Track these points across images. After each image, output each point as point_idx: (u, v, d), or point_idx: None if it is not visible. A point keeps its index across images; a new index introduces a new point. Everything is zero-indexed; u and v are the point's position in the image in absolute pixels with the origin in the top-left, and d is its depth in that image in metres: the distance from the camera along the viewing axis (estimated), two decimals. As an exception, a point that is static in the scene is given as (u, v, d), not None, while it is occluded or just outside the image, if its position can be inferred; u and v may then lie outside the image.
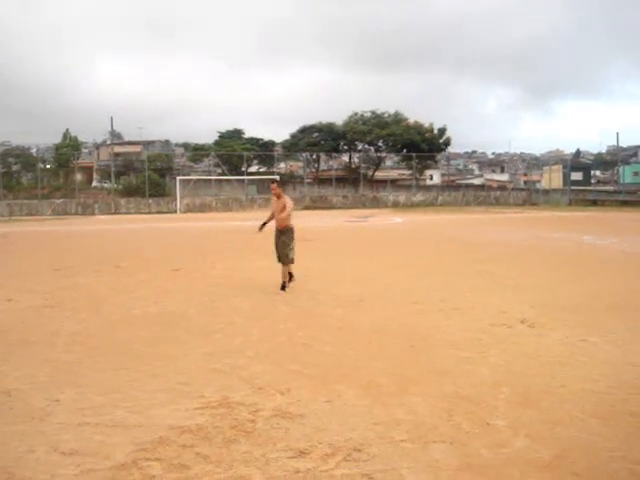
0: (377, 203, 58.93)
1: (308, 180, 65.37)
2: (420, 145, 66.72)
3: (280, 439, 4.37)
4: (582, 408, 4.93)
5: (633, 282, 11.55)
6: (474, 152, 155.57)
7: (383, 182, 66.92)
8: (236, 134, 71.32)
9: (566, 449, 4.17)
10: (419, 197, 61.97)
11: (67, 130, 68.80)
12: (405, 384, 5.58)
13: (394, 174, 74.83)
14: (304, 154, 68.46)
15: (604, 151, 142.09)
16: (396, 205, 58.78)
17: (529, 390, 5.38)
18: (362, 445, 4.25)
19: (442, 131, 71.42)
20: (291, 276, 10.98)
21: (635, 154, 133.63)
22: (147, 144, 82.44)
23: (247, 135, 72.28)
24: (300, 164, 73.99)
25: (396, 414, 4.83)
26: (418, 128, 69.33)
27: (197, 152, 70.61)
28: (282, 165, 74.32)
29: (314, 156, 70.15)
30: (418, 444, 4.27)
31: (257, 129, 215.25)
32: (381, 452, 4.13)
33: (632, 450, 4.15)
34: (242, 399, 5.20)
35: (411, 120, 70.96)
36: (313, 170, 71.40)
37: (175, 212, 50.42)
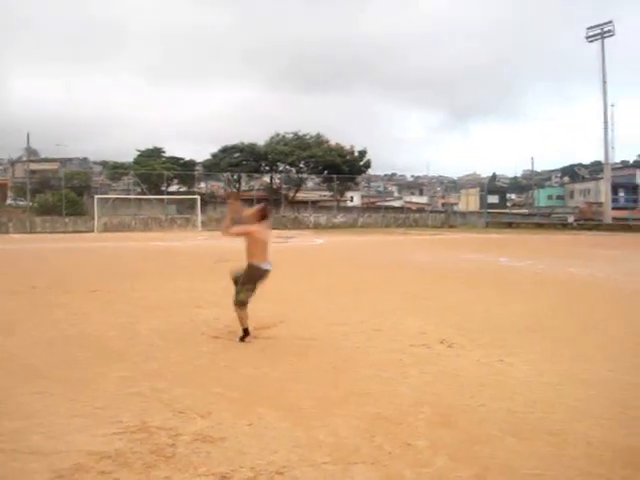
0: (298, 224, 59.16)
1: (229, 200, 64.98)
2: (341, 167, 67.45)
3: (201, 464, 4.30)
4: (500, 427, 5.03)
5: (548, 303, 11.87)
6: (394, 174, 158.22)
7: (304, 203, 67.23)
8: (156, 153, 70.42)
9: (485, 468, 4.25)
10: (340, 218, 62.52)
11: (-20, 146, 66.82)
12: (327, 406, 5.58)
13: (315, 195, 75.37)
14: (225, 174, 68.19)
15: (519, 175, 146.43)
16: (317, 226, 59.13)
17: (449, 410, 5.46)
18: (284, 468, 4.23)
19: (363, 153, 72.35)
20: (245, 333, 8.43)
21: (549, 178, 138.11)
22: (65, 161, 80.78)
23: (167, 154, 71.51)
24: (221, 184, 73.65)
25: (318, 436, 4.83)
26: (339, 150, 70.13)
27: (116, 170, 69.21)
28: (203, 185, 73.83)
29: (235, 176, 69.89)
30: (340, 466, 4.28)
31: (178, 148, 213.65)
32: (303, 475, 4.12)
33: (549, 469, 4.25)
34: (162, 423, 5.11)
35: (332, 142, 71.73)
36: (234, 190, 71.13)
37: (92, 231, 49.37)
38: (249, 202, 53.25)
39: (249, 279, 8.37)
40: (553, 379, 6.52)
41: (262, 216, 8.74)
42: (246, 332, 8.39)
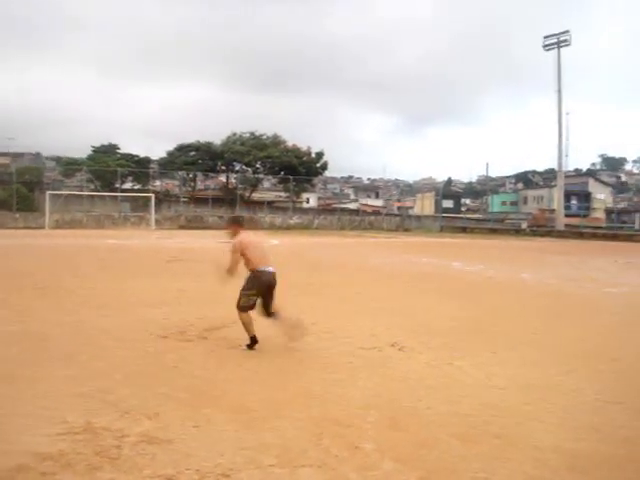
0: (253, 225, 58.93)
1: (184, 199, 64.55)
2: (298, 168, 67.43)
3: (146, 465, 4.24)
4: (447, 430, 5.05)
5: (499, 308, 12.01)
6: (350, 177, 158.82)
7: (260, 204, 67.03)
8: (111, 149, 69.59)
9: (431, 471, 4.26)
10: (295, 220, 62.42)
11: None
12: (275, 408, 5.55)
13: (271, 196, 75.18)
14: (181, 173, 67.62)
15: (474, 180, 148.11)
16: (272, 227, 58.89)
17: (397, 413, 5.47)
18: (231, 470, 4.19)
19: (320, 155, 72.39)
20: (252, 340, 8.04)
21: (503, 184, 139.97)
22: (16, 156, 79.27)
23: (122, 151, 70.72)
24: (176, 182, 73.07)
25: (265, 438, 4.79)
26: (296, 151, 70.10)
27: (69, 166, 68.17)
28: (158, 183, 73.11)
29: (191, 175, 69.38)
30: (287, 468, 4.25)
31: (133, 145, 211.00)
32: (249, 478, 4.08)
33: (494, 472, 4.28)
34: (107, 424, 5.02)
35: (290, 143, 71.68)
36: (189, 189, 70.61)
37: (44, 228, 48.51)
38: (205, 201, 52.63)
39: (251, 285, 8.04)
40: (501, 383, 6.58)
41: (234, 228, 8.44)
42: (253, 340, 7.99)
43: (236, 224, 8.53)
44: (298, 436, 4.87)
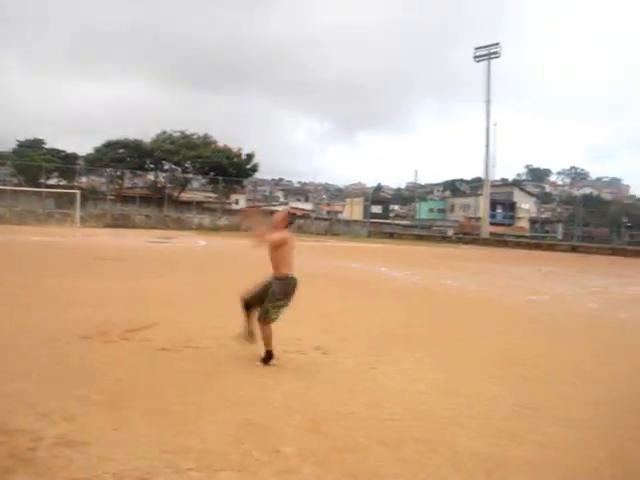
0: (181, 225, 58.29)
1: (111, 197, 63.49)
2: (228, 169, 67.23)
3: (62, 468, 4.13)
4: (369, 434, 5.08)
5: (423, 313, 12.18)
6: (281, 179, 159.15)
7: (188, 204, 66.37)
8: (36, 144, 68.17)
9: (351, 475, 4.27)
10: (224, 221, 62.01)
11: None
12: (197, 411, 5.48)
13: (200, 196, 74.54)
14: (108, 170, 66.48)
15: (403, 187, 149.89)
16: (201, 228, 58.45)
17: (319, 416, 5.48)
18: (149, 474, 4.11)
19: (250, 156, 72.35)
20: (269, 355, 7.35)
21: (432, 191, 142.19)
22: None
23: (49, 146, 69.24)
24: (103, 180, 71.86)
25: (186, 442, 4.73)
26: (227, 152, 69.83)
27: (-8, 160, 66.51)
28: (84, 179, 71.80)
29: (118, 172, 68.29)
30: (206, 472, 4.20)
31: (60, 140, 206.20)
32: (168, 481, 4.02)
33: (414, 476, 4.32)
34: (23, 426, 4.87)
35: (220, 143, 71.34)
36: (117, 187, 69.49)
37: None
38: (132, 200, 51.74)
39: (284, 294, 7.23)
40: (423, 388, 6.66)
41: (289, 222, 7.63)
42: (270, 354, 7.31)
43: (290, 222, 7.70)
44: (219, 439, 4.82)
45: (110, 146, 68.90)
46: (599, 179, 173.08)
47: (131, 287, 13.42)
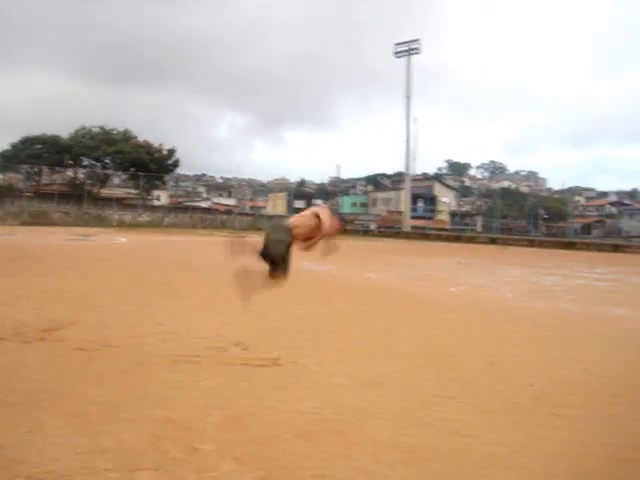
0: (101, 221, 57.23)
1: (28, 194, 61.86)
2: (149, 165, 66.33)
3: (-31, 474, 4.00)
4: (288, 429, 5.07)
5: (344, 306, 12.23)
6: (203, 175, 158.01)
7: (109, 200, 65.22)
8: (-52, 140, 65.90)
9: (270, 470, 4.26)
10: (145, 217, 61.25)
11: None
12: (114, 410, 5.37)
13: (120, 193, 73.35)
14: (25, 166, 64.76)
15: (326, 181, 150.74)
16: (121, 224, 57.55)
17: (238, 412, 5.44)
18: (64, 476, 4.02)
19: (172, 152, 71.54)
20: None
21: (354, 186, 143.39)
22: None
23: (-39, 142, 67.08)
24: (20, 176, 69.95)
25: (102, 442, 4.63)
26: (147, 147, 68.88)
27: None
28: (0, 177, 69.82)
29: (36, 169, 66.59)
30: (123, 472, 4.13)
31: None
32: (83, 483, 3.94)
33: (332, 468, 4.34)
34: None
35: (141, 139, 70.36)
36: (34, 184, 67.74)
37: None
38: (51, 197, 50.72)
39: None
40: (342, 380, 6.69)
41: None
42: None
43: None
44: (136, 439, 4.74)
45: (27, 142, 67.19)
46: (517, 172, 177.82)
47: (48, 286, 13.08)
